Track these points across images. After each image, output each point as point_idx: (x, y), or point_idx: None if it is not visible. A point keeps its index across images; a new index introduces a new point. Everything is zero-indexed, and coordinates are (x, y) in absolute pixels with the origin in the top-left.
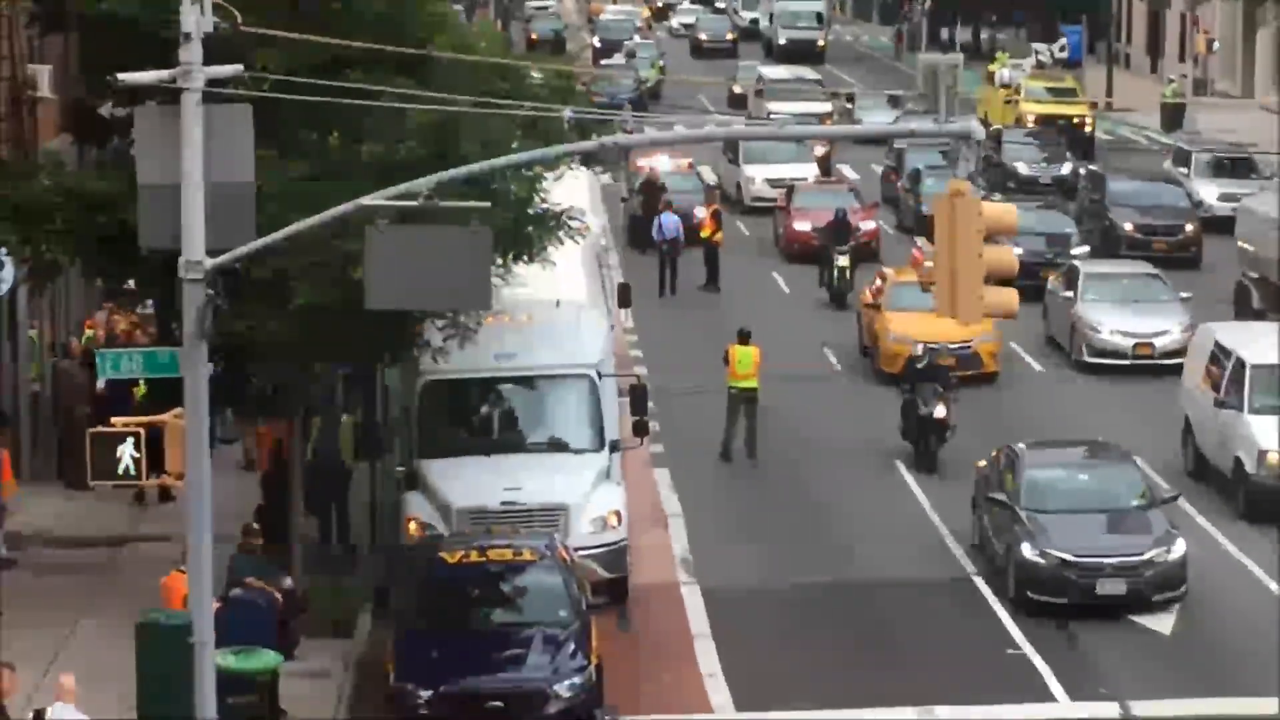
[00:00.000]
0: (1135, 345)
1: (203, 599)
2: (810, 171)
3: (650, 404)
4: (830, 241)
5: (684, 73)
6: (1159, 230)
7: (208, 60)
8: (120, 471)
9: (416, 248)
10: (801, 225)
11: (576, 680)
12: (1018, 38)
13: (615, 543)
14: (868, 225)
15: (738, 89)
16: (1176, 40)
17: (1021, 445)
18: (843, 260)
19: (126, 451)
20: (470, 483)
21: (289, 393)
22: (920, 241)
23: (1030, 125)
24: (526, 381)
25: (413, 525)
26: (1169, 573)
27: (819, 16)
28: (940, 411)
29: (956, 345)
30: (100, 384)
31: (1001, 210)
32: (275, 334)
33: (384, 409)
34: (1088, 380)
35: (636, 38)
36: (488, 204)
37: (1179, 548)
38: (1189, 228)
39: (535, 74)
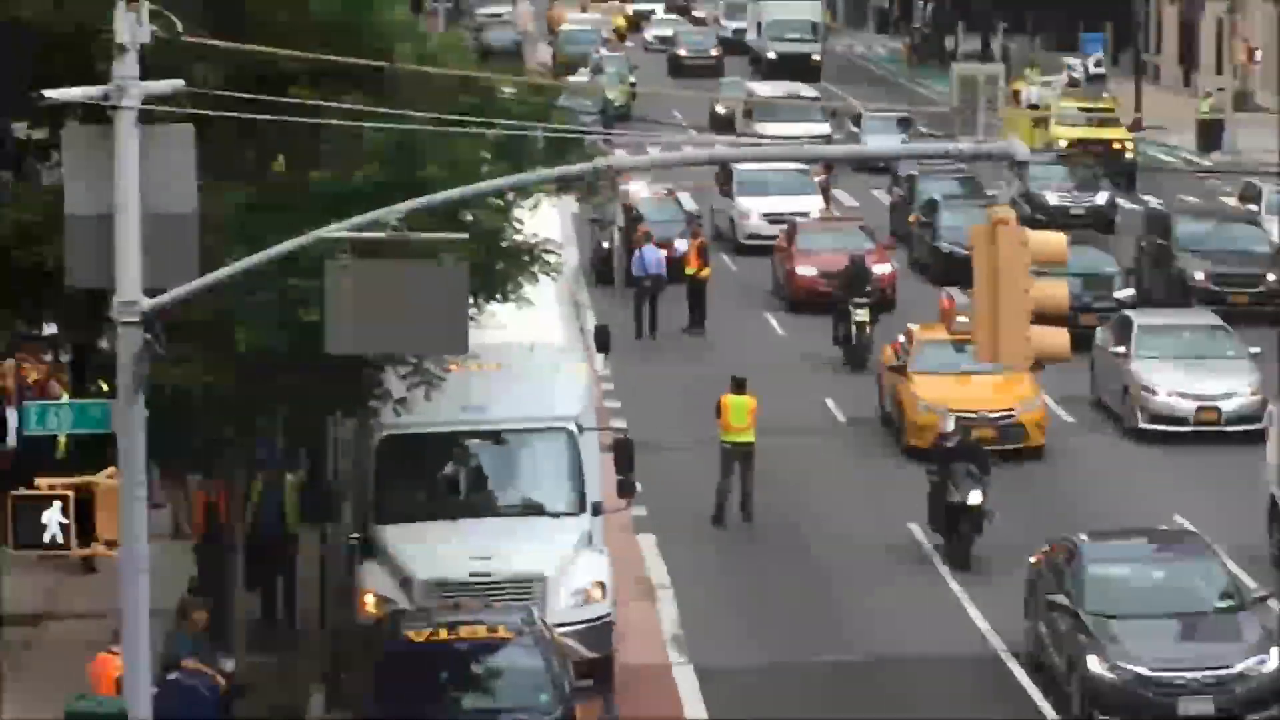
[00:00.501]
0: (1199, 409)
1: (139, 684)
2: (814, 205)
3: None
4: (845, 291)
5: (660, 92)
6: (1236, 280)
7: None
8: (47, 539)
9: (383, 285)
10: (806, 270)
11: None
12: (1032, 46)
13: (599, 618)
14: (882, 269)
15: (721, 108)
16: (1212, 50)
17: (1082, 536)
18: (861, 314)
19: (53, 517)
20: (434, 551)
21: (228, 450)
22: (949, 291)
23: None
24: (497, 436)
25: (369, 599)
26: (1264, 687)
27: (814, 27)
28: (975, 497)
29: (997, 414)
30: (10, 439)
31: (1049, 239)
32: (213, 383)
33: (334, 468)
34: (1145, 451)
35: (604, 50)
36: (464, 235)
37: (1274, 658)
38: (1271, 276)
39: (507, 89)
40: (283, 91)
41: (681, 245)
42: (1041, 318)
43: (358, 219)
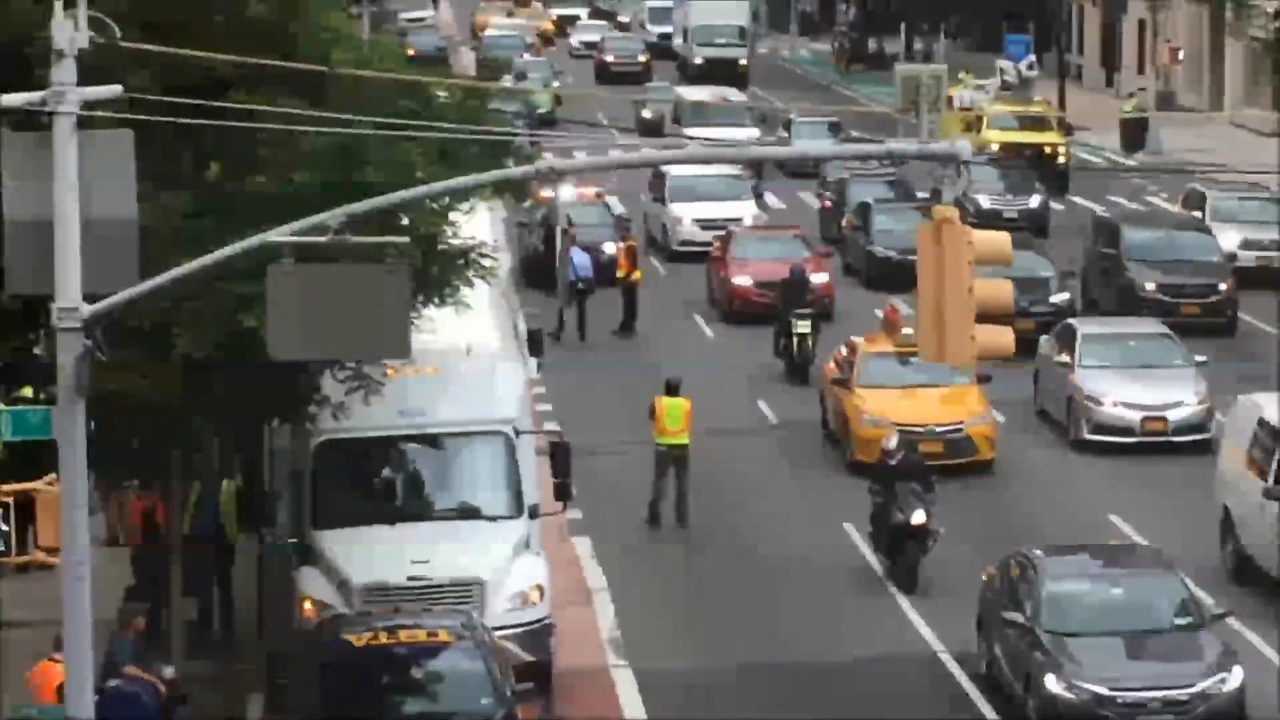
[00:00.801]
0: (1144, 420)
1: (83, 692)
2: (748, 210)
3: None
4: (785, 302)
5: (585, 98)
6: (1187, 290)
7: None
8: None
9: (325, 290)
10: (742, 280)
11: None
12: (955, 47)
13: (537, 621)
14: (820, 278)
15: (648, 113)
16: (1134, 50)
17: (1037, 551)
18: (802, 326)
19: None
20: (372, 556)
21: (163, 456)
22: (893, 302)
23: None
24: (434, 440)
25: (307, 605)
26: (1225, 707)
27: (741, 32)
28: (919, 517)
29: (945, 429)
30: None
31: (993, 239)
32: (152, 389)
33: (270, 473)
34: (1090, 463)
35: (527, 56)
36: (406, 239)
37: (1237, 676)
38: (1223, 286)
39: (442, 93)
40: (220, 97)
41: (610, 249)
42: (986, 317)
43: (300, 223)
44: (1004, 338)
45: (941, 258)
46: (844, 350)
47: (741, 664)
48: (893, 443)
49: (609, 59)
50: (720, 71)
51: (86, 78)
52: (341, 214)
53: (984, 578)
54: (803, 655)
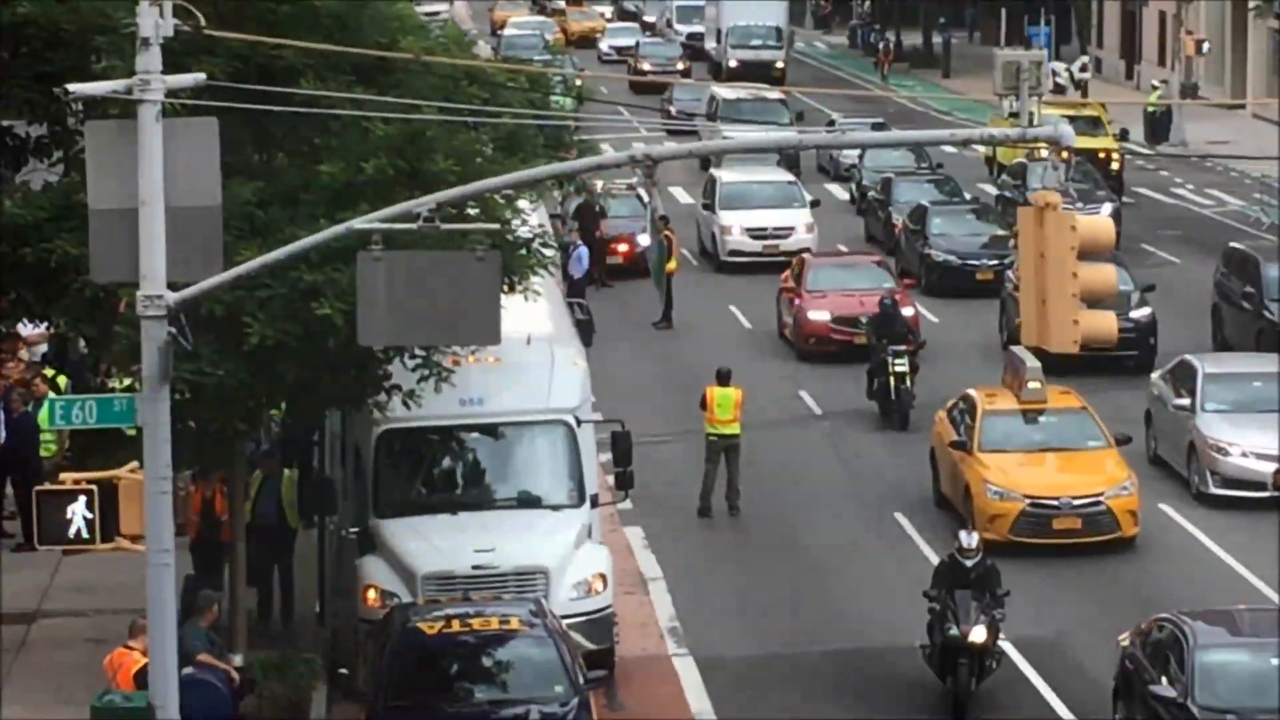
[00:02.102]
0: (1278, 472)
1: (167, 679)
2: (801, 219)
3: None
4: (878, 339)
5: (612, 100)
6: None
7: (131, 72)
8: (71, 534)
9: (415, 276)
10: (819, 315)
11: None
12: (971, 42)
13: (600, 610)
14: (905, 312)
15: (675, 110)
16: (1155, 43)
17: (1184, 616)
18: (900, 364)
19: (78, 511)
20: (435, 545)
21: (231, 445)
22: (1016, 351)
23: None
24: (496, 429)
25: (371, 594)
26: None
27: (778, 33)
28: (979, 635)
29: (1083, 501)
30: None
31: (1098, 224)
32: (225, 378)
33: (329, 462)
34: (1217, 519)
35: (547, 55)
36: (496, 225)
37: None
38: None
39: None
40: (290, 86)
41: (644, 240)
42: (1090, 303)
43: (388, 210)
44: (1107, 323)
45: (1044, 243)
46: (958, 404)
47: (801, 652)
48: (973, 541)
49: (645, 66)
50: (756, 74)
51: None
52: (430, 201)
53: (1122, 643)
54: (861, 643)
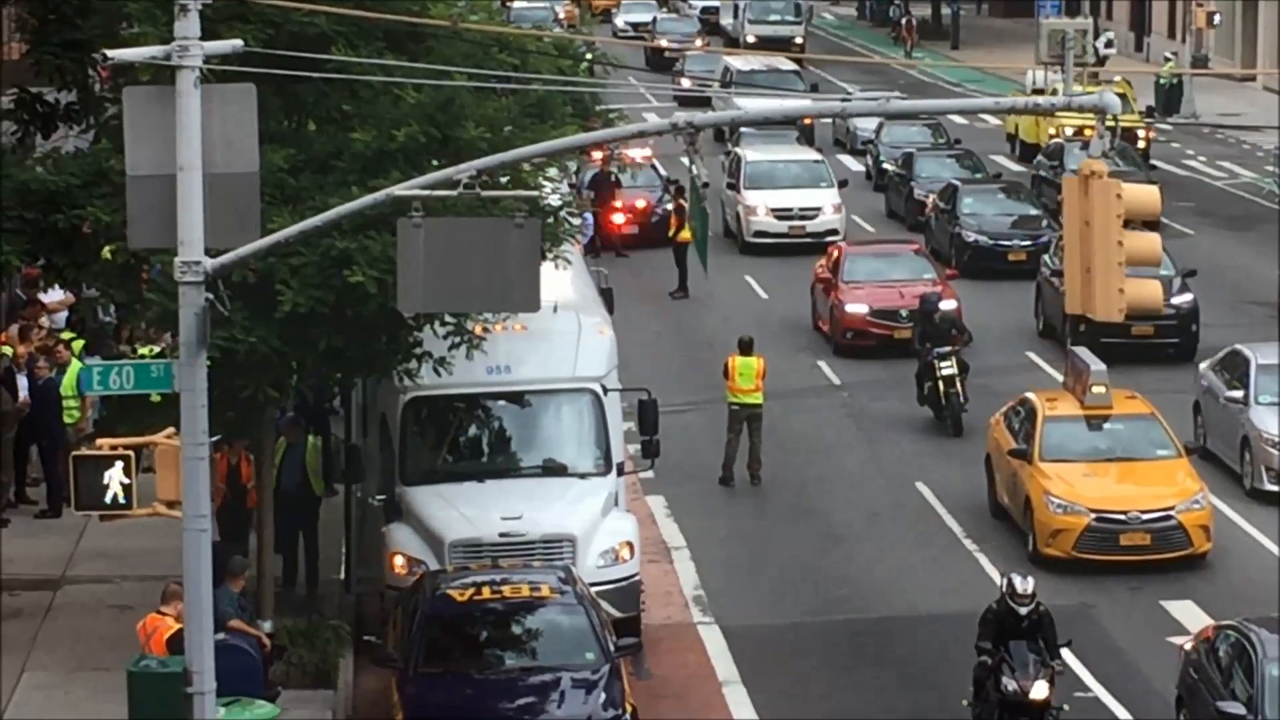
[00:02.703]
0: None
1: (204, 644)
2: (829, 200)
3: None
4: (921, 338)
5: (625, 77)
6: None
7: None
8: (108, 500)
9: (456, 244)
10: (857, 307)
11: None
12: (979, 15)
13: (628, 578)
14: (948, 305)
15: (686, 81)
16: (1165, 15)
17: (1250, 625)
18: (947, 367)
19: (115, 477)
20: (463, 512)
21: (261, 411)
22: (1079, 353)
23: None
24: (522, 397)
25: (398, 561)
26: None
27: (797, 8)
28: (1040, 691)
29: (1153, 516)
30: (23, 396)
31: (1143, 191)
32: (257, 345)
33: (354, 430)
34: (1274, 516)
35: (556, 30)
36: (536, 192)
37: None
38: None
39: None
40: (321, 54)
41: (661, 210)
42: (1135, 265)
43: (430, 176)
44: (1153, 290)
45: (1089, 211)
46: (1017, 409)
47: (825, 621)
48: (1029, 586)
49: (662, 42)
50: (774, 50)
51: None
52: (471, 168)
53: (1185, 648)
54: (886, 611)
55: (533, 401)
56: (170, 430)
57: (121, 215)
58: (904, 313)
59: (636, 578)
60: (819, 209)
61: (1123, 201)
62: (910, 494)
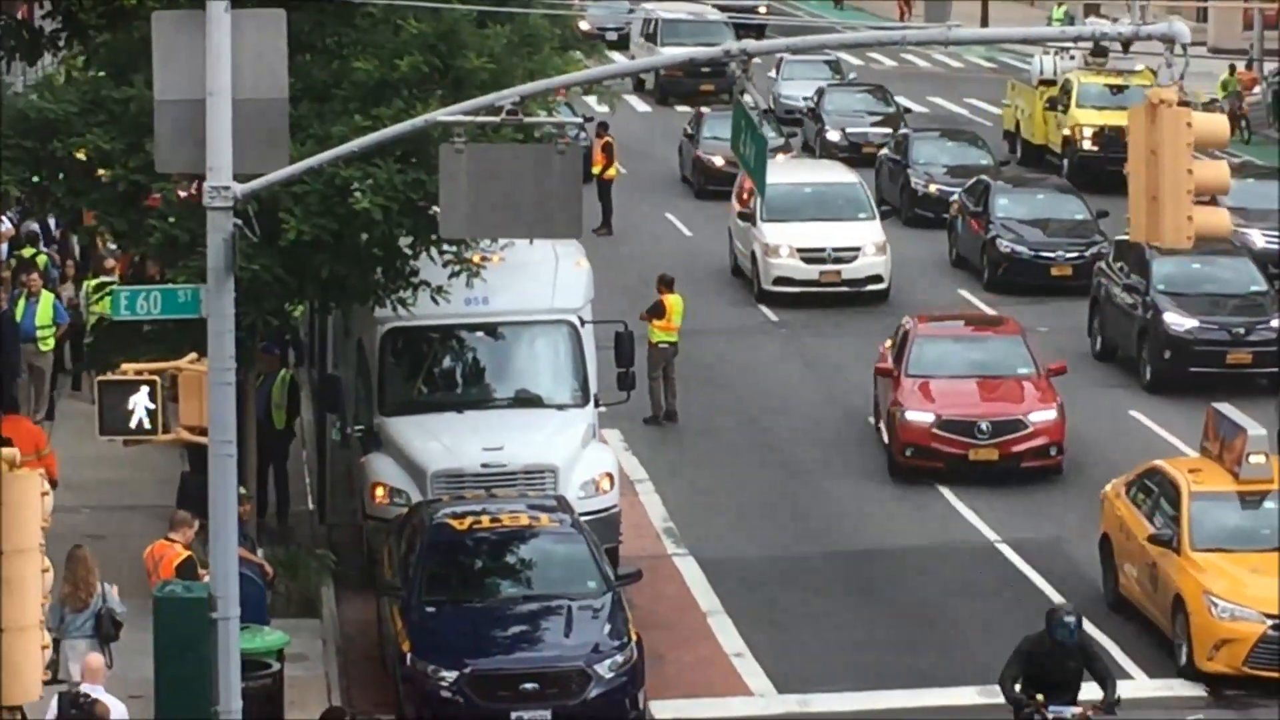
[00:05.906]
0: None
1: (229, 570)
2: (872, 237)
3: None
4: (1028, 694)
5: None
6: None
7: None
8: (133, 425)
9: (497, 170)
10: (920, 416)
11: (618, 659)
12: None
13: (608, 509)
14: (1045, 415)
15: (591, 27)
16: None
17: None
18: None
19: (140, 402)
20: (443, 443)
21: (251, 340)
22: (1225, 412)
23: (1087, 145)
24: (499, 329)
25: (379, 491)
26: None
27: None
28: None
29: None
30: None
31: (1212, 119)
32: (259, 272)
33: (332, 360)
34: None
35: None
36: (578, 119)
37: None
38: None
39: None
40: None
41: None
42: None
43: (473, 102)
44: (1220, 218)
45: (1157, 141)
46: (1144, 482)
47: (799, 554)
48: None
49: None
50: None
51: None
52: (514, 94)
53: None
54: (858, 545)
55: (510, 333)
56: (193, 356)
57: (121, 143)
58: (985, 425)
59: (616, 509)
60: (858, 249)
61: (1193, 130)
62: (868, 431)
